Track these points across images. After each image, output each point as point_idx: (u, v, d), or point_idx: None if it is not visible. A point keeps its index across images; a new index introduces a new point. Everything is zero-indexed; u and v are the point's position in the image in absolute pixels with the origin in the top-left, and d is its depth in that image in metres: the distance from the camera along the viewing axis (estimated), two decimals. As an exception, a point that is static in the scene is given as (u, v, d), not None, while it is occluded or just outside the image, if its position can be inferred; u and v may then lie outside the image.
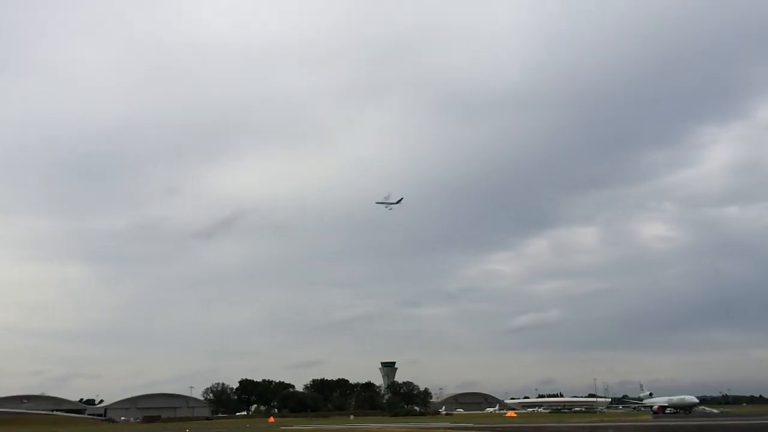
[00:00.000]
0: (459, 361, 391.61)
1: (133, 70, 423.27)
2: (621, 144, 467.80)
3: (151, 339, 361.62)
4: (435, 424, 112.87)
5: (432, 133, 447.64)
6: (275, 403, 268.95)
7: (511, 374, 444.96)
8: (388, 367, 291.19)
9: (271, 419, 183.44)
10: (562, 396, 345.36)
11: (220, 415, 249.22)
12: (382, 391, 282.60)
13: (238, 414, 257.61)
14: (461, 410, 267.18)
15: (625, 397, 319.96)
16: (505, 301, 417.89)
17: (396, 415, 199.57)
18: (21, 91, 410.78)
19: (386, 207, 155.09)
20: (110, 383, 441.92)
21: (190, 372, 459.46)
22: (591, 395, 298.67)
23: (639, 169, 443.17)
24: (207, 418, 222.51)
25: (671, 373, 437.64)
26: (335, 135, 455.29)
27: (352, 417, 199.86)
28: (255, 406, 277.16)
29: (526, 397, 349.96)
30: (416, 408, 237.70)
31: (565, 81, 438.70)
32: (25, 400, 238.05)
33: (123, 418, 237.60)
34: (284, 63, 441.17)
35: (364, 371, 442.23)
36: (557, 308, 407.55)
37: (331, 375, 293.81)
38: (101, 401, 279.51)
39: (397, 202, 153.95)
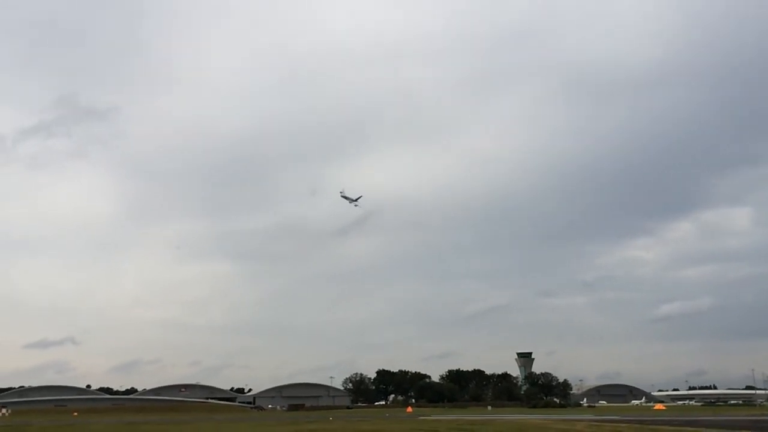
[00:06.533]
0: (599, 352, 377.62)
1: (268, 76, 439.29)
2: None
3: (294, 331, 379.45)
4: (577, 416, 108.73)
5: (562, 118, 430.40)
6: (412, 393, 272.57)
7: (657, 365, 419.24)
8: (525, 358, 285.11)
9: (409, 409, 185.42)
10: (715, 388, 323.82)
11: (359, 404, 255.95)
12: (519, 383, 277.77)
13: (376, 403, 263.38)
14: (604, 402, 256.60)
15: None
16: (648, 288, 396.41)
17: (535, 406, 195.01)
18: (173, 103, 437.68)
19: (350, 202, 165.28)
20: (258, 373, 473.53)
21: (330, 362, 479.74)
22: (749, 387, 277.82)
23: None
24: (347, 407, 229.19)
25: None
26: (462, 127, 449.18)
27: (489, 408, 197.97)
28: (392, 395, 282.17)
29: (675, 390, 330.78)
30: (556, 400, 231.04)
31: (707, 51, 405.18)
32: (183, 389, 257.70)
33: (270, 405, 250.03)
34: (408, 59, 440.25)
35: (499, 362, 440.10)
36: (707, 295, 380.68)
37: (467, 366, 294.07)
38: (250, 390, 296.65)
39: (356, 199, 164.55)
